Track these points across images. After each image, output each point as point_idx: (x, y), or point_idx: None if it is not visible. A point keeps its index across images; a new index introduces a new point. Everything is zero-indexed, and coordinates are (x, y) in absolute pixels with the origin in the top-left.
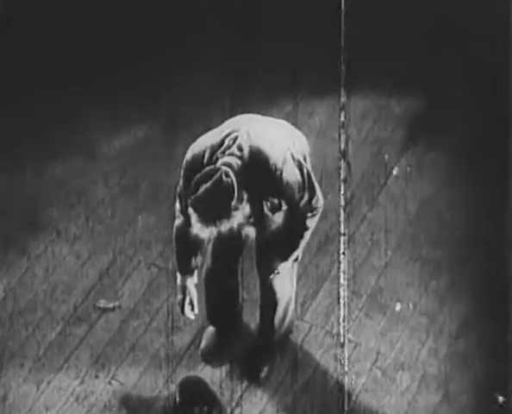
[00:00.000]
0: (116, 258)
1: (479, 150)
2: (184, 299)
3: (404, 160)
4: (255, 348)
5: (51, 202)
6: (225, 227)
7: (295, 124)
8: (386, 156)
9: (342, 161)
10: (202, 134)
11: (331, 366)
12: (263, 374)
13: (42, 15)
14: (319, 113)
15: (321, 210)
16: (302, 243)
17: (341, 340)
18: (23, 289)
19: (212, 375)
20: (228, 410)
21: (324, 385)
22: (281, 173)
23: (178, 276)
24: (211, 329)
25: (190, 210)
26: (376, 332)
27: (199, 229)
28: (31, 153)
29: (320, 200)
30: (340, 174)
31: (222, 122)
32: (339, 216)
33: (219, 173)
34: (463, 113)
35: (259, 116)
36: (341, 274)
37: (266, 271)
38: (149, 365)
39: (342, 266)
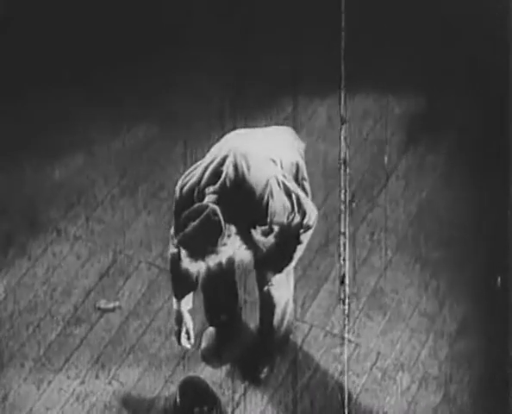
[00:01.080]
0: (116, 258)
1: (479, 150)
2: (180, 331)
3: (404, 161)
4: (255, 348)
5: (51, 202)
6: (213, 262)
7: (295, 125)
8: (386, 157)
9: (342, 161)
10: (201, 133)
11: (331, 366)
12: (263, 375)
13: (42, 15)
14: (319, 113)
15: (315, 225)
16: (296, 257)
17: (341, 340)
18: (23, 289)
19: (212, 375)
20: (229, 410)
21: (324, 385)
22: (267, 204)
23: (174, 300)
24: (211, 329)
25: (180, 246)
26: (376, 332)
27: (188, 264)
28: (31, 153)
29: (312, 217)
30: (340, 174)
31: (222, 122)
32: (339, 216)
33: (206, 212)
34: (463, 113)
35: (245, 135)
36: (341, 275)
37: (262, 282)
38: (149, 365)
39: (342, 266)
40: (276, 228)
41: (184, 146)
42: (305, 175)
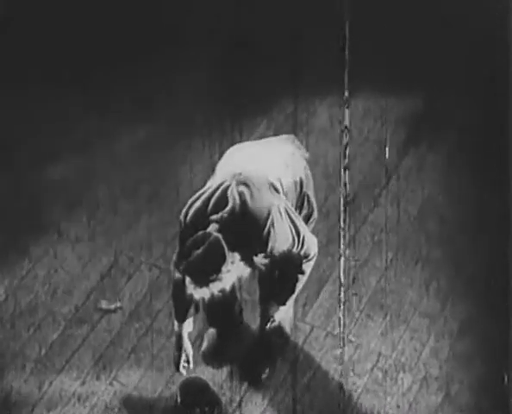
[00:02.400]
0: (118, 259)
1: (479, 150)
2: (179, 356)
3: (405, 161)
4: (256, 349)
5: (52, 203)
6: (217, 288)
7: (295, 125)
8: (387, 157)
9: (343, 162)
10: (201, 133)
11: (332, 367)
12: (264, 375)
13: (42, 15)
14: (320, 113)
15: (316, 255)
16: (298, 287)
17: (342, 341)
18: (25, 290)
19: (213, 376)
20: (229, 411)
21: (325, 386)
22: (269, 234)
23: (175, 323)
24: (212, 330)
25: (184, 274)
26: (377, 333)
27: (193, 290)
28: (32, 154)
29: (311, 247)
30: (340, 175)
31: (222, 122)
32: (340, 216)
33: (210, 240)
34: (463, 113)
35: (246, 156)
36: (342, 275)
37: (265, 317)
38: (150, 366)
39: (343, 267)
40: (277, 255)
41: (185, 146)
42: (310, 186)
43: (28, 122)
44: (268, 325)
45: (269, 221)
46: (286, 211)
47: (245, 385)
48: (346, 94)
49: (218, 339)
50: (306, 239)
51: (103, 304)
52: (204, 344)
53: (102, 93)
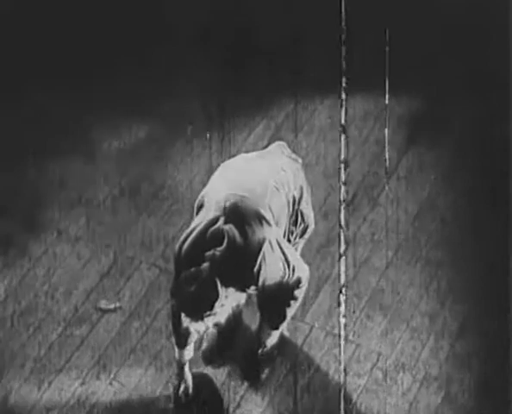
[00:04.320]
0: (117, 259)
1: (479, 150)
2: (179, 385)
3: (405, 161)
4: (256, 349)
5: (51, 202)
6: (212, 322)
7: (295, 124)
8: (386, 157)
9: (343, 162)
10: (202, 133)
11: (332, 367)
12: (264, 375)
13: (42, 14)
14: (319, 113)
15: (307, 282)
16: (290, 313)
17: (342, 341)
18: (24, 290)
19: (213, 376)
20: (229, 411)
21: (325, 386)
22: (260, 268)
23: (176, 349)
24: (212, 330)
25: (178, 309)
26: (377, 333)
27: (188, 324)
28: (31, 154)
29: (303, 275)
30: (340, 175)
31: (222, 121)
32: (339, 216)
33: (203, 277)
34: (463, 113)
35: (234, 182)
36: (342, 275)
37: (259, 340)
38: (150, 366)
39: (343, 266)
40: (268, 286)
41: (185, 146)
42: (305, 199)
43: (27, 121)
44: (260, 351)
45: (260, 256)
46: (277, 242)
47: (245, 385)
48: (346, 94)
49: (218, 339)
50: (296, 267)
51: (103, 304)
52: (204, 344)
53: (102, 93)
